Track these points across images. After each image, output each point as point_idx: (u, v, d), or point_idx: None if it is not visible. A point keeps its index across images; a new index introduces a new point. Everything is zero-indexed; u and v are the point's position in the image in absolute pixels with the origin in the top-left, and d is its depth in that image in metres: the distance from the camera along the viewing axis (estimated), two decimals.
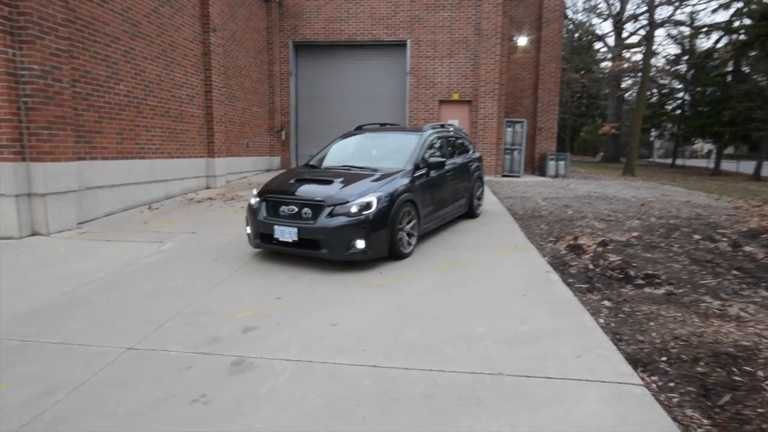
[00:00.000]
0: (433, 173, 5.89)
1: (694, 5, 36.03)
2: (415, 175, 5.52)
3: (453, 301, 3.99)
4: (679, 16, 32.01)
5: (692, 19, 31.09)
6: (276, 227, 4.82)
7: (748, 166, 28.68)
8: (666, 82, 33.88)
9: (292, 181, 5.31)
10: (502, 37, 14.05)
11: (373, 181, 5.09)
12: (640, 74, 34.90)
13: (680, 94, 32.78)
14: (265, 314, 3.75)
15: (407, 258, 5.24)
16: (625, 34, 34.85)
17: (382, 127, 7.33)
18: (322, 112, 15.45)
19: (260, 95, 14.22)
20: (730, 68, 27.36)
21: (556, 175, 15.92)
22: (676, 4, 30.52)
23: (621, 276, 4.76)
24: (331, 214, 4.68)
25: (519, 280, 4.57)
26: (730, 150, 39.06)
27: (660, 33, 33.44)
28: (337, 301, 4.02)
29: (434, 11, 14.23)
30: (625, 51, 34.70)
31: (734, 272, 5.11)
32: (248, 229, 5.30)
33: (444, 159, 5.94)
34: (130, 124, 8.20)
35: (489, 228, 6.97)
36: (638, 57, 35.57)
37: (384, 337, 3.31)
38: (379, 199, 4.79)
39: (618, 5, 34.00)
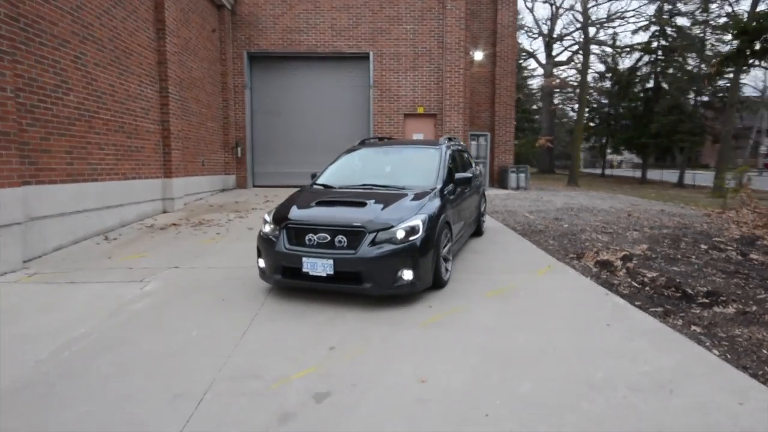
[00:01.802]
0: (458, 191, 5.40)
1: (615, 27, 38.80)
2: (444, 193, 4.99)
3: (536, 338, 3.47)
4: (602, 36, 34.23)
5: (614, 40, 33.47)
6: (305, 259, 4.07)
7: (669, 175, 31.18)
8: (594, 98, 36.08)
9: (313, 204, 4.57)
10: (465, 51, 14.03)
11: (411, 201, 4.49)
12: (569, 90, 37.13)
13: (606, 109, 35.02)
14: (328, 372, 3.01)
15: (446, 286, 4.66)
16: (555, 52, 36.81)
17: (383, 141, 6.74)
18: (280, 126, 14.56)
19: (214, 109, 13.09)
20: (650, 85, 29.70)
21: (518, 188, 16.07)
22: (599, 26, 32.76)
23: (679, 295, 4.50)
24: (373, 242, 4.01)
25: (586, 306, 4.15)
26: (634, 158, 42.36)
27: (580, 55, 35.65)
28: (404, 348, 3.36)
29: (397, 24, 13.93)
30: (555, 68, 36.63)
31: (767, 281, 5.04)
32: (261, 263, 4.48)
33: (470, 175, 5.48)
34: (81, 141, 7.00)
35: (503, 246, 6.58)
36: (567, 74, 37.83)
37: (495, 394, 2.71)
38: (424, 222, 4.20)
39: (547, 26, 35.96)
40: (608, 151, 37.60)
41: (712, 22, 25.76)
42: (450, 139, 6.50)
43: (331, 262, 3.99)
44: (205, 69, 12.35)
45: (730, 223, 8.92)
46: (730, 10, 23.51)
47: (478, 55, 16.66)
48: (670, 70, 28.33)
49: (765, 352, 3.24)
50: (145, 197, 8.89)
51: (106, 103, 7.64)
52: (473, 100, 17.06)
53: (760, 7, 18.81)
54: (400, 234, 4.05)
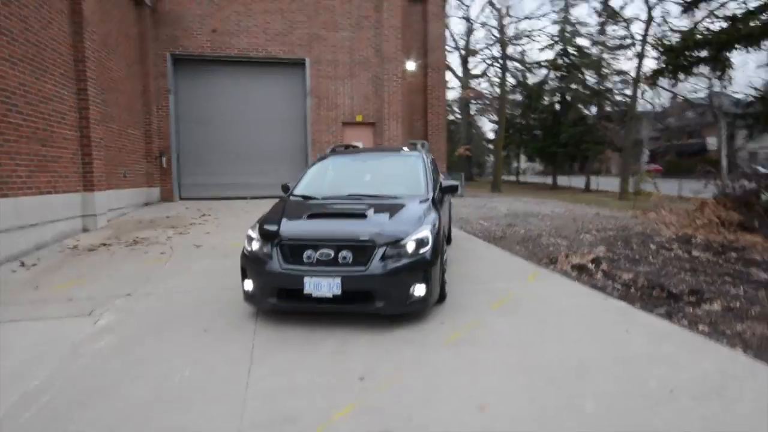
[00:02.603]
0: (442, 198, 5.23)
1: (524, 45, 41.53)
2: (436, 201, 4.79)
3: (567, 350, 3.36)
4: (513, 53, 36.49)
5: (523, 56, 35.85)
6: (307, 279, 3.63)
7: (574, 180, 33.92)
8: (507, 110, 38.24)
9: (304, 217, 4.12)
10: (402, 60, 14.10)
11: (411, 211, 4.22)
12: (484, 102, 39.09)
13: (517, 121, 37.30)
14: (373, 408, 2.64)
15: (446, 299, 4.44)
16: (471, 65, 38.59)
17: (348, 149, 6.42)
18: (209, 136, 13.54)
19: (135, 115, 11.84)
20: (557, 98, 32.18)
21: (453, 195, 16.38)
22: (510, 43, 34.89)
23: (665, 295, 4.68)
24: (383, 257, 3.68)
25: (593, 313, 4.16)
26: (536, 166, 45.76)
27: (497, 66, 37.86)
28: (440, 371, 3.07)
29: (333, 30, 13.64)
30: (471, 81, 38.37)
31: (726, 278, 5.44)
32: (248, 285, 3.95)
33: (457, 183, 5.33)
34: None
35: (476, 254, 6.53)
36: (481, 86, 39.75)
37: (566, 417, 2.52)
38: (431, 233, 3.95)
39: (464, 40, 37.67)
40: (524, 159, 40.02)
41: (608, 44, 28.55)
42: (415, 145, 6.35)
43: (338, 280, 3.59)
44: (125, 70, 11.13)
45: (658, 224, 9.70)
46: (623, 33, 26.16)
47: (411, 65, 16.83)
48: (573, 86, 30.90)
49: None
50: (64, 214, 7.71)
51: (17, 104, 6.52)
52: (407, 110, 17.20)
53: (652, 29, 21.16)
54: (411, 247, 3.77)
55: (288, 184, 5.35)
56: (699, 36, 7.99)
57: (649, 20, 20.25)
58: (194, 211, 10.88)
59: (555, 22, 33.29)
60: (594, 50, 30.31)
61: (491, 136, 43.40)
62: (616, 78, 28.75)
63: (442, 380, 2.95)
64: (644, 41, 20.82)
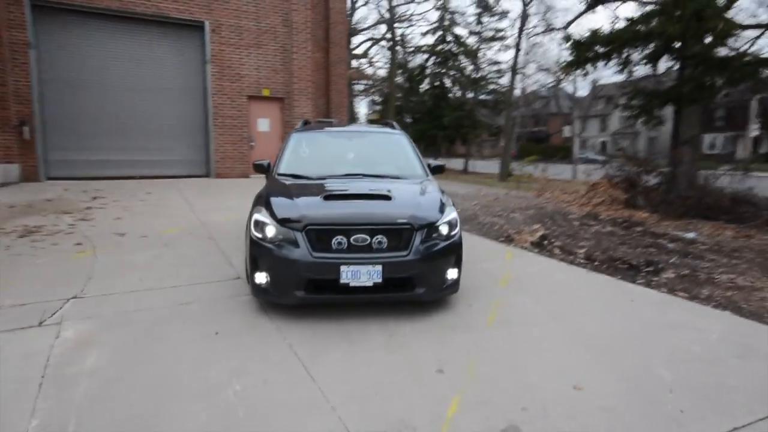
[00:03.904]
0: None
1: (405, 28, 42.59)
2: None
3: (599, 322, 3.58)
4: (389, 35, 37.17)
5: (403, 40, 36.80)
6: (343, 268, 3.26)
7: (452, 162, 36.27)
8: (387, 92, 39.08)
9: (320, 198, 3.68)
10: (312, 33, 13.44)
11: (429, 193, 4.01)
12: (366, 83, 39.43)
13: (398, 103, 38.41)
14: (479, 400, 2.50)
15: None
16: (353, 45, 38.37)
17: (308, 125, 5.91)
18: (86, 104, 11.40)
19: None
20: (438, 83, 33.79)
21: None
22: (390, 25, 35.52)
23: (627, 267, 5.23)
24: (422, 241, 3.47)
25: (589, 286, 4.49)
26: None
27: (376, 49, 38.39)
28: (509, 354, 3.04)
29: None
30: (353, 60, 38.26)
31: (652, 249, 6.30)
32: (261, 278, 3.42)
33: (443, 164, 5.21)
34: None
35: None
36: (362, 66, 39.90)
37: (654, 387, 2.68)
38: (457, 215, 3.85)
39: (349, 18, 37.18)
40: None
41: (483, 35, 30.71)
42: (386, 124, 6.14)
43: (379, 268, 3.30)
44: None
45: (560, 202, 10.83)
46: (498, 26, 28.32)
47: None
48: (452, 72, 32.75)
49: (746, 306, 4.03)
50: None
51: None
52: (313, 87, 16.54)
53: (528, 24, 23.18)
54: (444, 229, 3.62)
55: (262, 163, 4.74)
56: (603, 33, 8.99)
57: (525, 16, 22.20)
58: (79, 194, 9.14)
59: (436, 9, 34.80)
60: (471, 40, 32.42)
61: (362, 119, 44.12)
62: (491, 68, 31.13)
63: (517, 363, 2.92)
64: (520, 34, 22.80)
